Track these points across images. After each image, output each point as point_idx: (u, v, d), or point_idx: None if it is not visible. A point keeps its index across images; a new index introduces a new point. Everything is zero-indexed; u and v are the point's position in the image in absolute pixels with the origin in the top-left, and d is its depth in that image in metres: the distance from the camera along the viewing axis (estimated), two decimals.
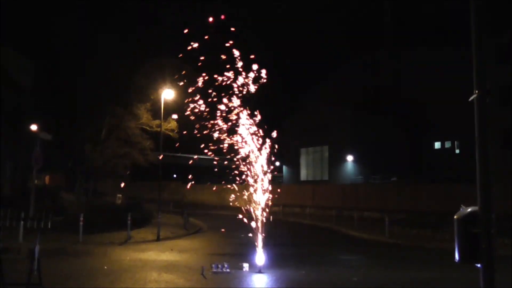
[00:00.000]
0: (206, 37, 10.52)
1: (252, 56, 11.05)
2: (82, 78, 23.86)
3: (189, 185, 38.22)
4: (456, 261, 4.32)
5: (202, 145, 11.69)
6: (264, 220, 11.61)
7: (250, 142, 11.52)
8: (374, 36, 50.55)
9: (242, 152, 11.55)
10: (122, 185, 32.98)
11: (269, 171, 11.65)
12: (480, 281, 4.10)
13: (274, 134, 11.53)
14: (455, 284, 10.58)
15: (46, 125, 21.50)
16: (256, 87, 11.27)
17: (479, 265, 4.13)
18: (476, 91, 4.25)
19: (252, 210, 11.68)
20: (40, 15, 24.34)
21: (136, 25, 25.54)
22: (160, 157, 21.24)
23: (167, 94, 21.14)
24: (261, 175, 11.56)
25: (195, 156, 27.46)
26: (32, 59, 26.14)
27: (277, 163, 12.95)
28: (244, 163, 11.59)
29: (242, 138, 11.48)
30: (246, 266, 11.64)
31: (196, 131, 11.62)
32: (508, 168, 27.00)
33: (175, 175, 54.70)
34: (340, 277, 11.37)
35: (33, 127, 23.24)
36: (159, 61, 23.93)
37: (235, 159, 11.67)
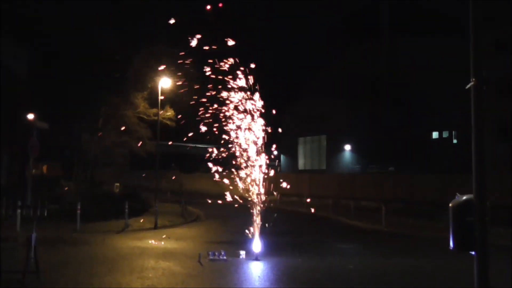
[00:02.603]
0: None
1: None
2: (77, 67, 23.67)
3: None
4: (451, 249, 4.35)
5: (205, 128, 11.68)
6: (261, 209, 11.67)
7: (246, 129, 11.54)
8: (372, 25, 50.28)
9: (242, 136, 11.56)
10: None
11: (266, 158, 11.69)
12: (474, 269, 4.13)
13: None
14: (450, 271, 10.68)
15: (42, 114, 21.40)
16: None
17: (473, 253, 4.16)
18: (473, 79, 4.25)
19: (249, 199, 11.74)
20: (33, 2, 24.05)
21: (132, 13, 25.27)
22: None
23: (164, 82, 21.05)
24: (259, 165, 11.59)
25: (189, 145, 27.46)
26: (26, 48, 25.91)
27: (275, 152, 12.97)
28: (242, 150, 11.61)
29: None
30: (243, 253, 11.71)
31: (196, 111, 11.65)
32: (504, 159, 27.12)
33: (173, 164, 54.69)
34: (336, 264, 11.45)
35: (30, 116, 23.13)
36: (155, 49, 23.77)
37: (232, 144, 11.67)
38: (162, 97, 21.80)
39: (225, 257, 11.33)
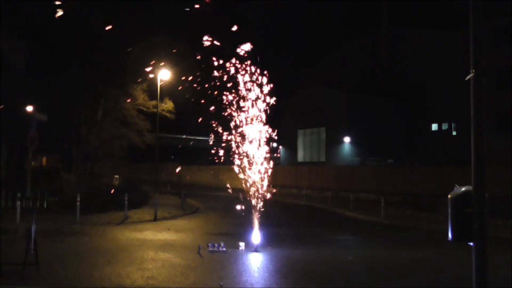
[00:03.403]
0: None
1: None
2: (76, 58, 23.54)
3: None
4: (450, 239, 4.36)
5: (200, 119, 11.71)
6: (261, 201, 11.69)
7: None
8: (371, 17, 50.06)
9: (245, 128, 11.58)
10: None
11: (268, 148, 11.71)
12: (473, 260, 4.15)
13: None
14: (448, 262, 10.73)
15: (41, 107, 21.34)
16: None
17: (472, 244, 4.17)
18: (473, 70, 4.24)
19: (249, 190, 11.76)
20: None
21: (131, 5, 25.11)
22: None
23: (163, 74, 20.99)
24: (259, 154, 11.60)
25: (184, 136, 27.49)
26: (24, 40, 25.73)
27: (275, 145, 13.06)
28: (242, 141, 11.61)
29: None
30: (242, 245, 11.74)
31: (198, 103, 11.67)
32: (504, 152, 27.13)
33: (172, 156, 54.72)
34: (335, 256, 11.50)
35: (29, 108, 23.08)
36: (155, 41, 23.66)
37: (232, 136, 11.67)
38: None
39: (224, 249, 11.37)
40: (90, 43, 23.37)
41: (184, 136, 50.49)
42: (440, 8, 42.00)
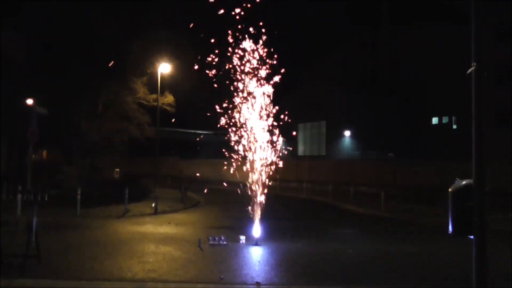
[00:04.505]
0: None
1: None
2: (75, 56, 23.46)
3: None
4: (450, 232, 4.37)
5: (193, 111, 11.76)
6: (261, 194, 11.70)
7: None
8: (371, 17, 49.86)
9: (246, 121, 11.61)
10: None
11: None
12: (473, 253, 4.16)
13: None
14: (448, 257, 10.76)
15: (42, 101, 21.32)
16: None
17: (472, 237, 4.18)
18: (474, 64, 4.23)
19: (249, 184, 11.77)
20: None
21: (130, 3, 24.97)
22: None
23: (164, 68, 20.95)
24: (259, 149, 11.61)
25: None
26: (24, 37, 25.64)
27: (275, 138, 13.10)
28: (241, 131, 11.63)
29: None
30: (242, 238, 11.76)
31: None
32: (503, 149, 27.11)
33: (172, 150, 54.66)
34: (335, 249, 11.53)
35: (29, 101, 23.07)
36: (155, 34, 23.57)
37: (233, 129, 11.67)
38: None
39: (225, 242, 11.40)
40: (90, 40, 23.28)
41: (180, 130, 50.42)
42: (440, 8, 41.72)
